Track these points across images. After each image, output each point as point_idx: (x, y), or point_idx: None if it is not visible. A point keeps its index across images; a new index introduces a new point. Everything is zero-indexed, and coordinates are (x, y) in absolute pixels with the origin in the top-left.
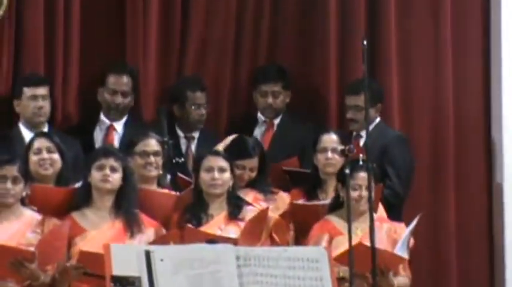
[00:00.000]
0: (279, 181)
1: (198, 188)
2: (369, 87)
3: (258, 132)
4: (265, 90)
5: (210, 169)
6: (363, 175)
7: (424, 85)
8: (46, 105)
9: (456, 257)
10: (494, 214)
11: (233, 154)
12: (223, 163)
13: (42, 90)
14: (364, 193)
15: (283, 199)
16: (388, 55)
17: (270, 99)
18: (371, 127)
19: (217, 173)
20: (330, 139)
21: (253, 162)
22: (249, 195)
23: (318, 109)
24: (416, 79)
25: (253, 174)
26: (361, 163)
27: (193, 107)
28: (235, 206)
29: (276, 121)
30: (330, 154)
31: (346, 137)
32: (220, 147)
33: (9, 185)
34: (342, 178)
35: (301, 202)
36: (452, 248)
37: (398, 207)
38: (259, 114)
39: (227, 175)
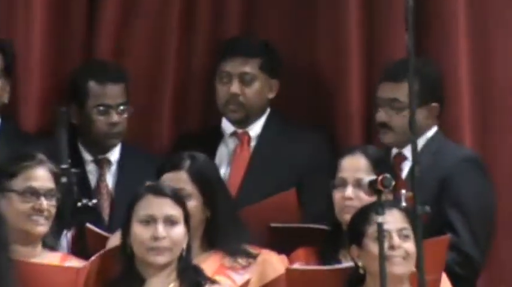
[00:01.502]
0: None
1: (127, 252)
2: (420, 71)
3: (223, 152)
4: (228, 70)
5: (150, 220)
6: (398, 216)
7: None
8: None
9: None
10: None
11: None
12: (173, 209)
13: None
14: (409, 247)
15: (273, 266)
16: (452, 22)
17: (235, 87)
18: (422, 141)
19: (163, 226)
20: (353, 165)
21: (183, 182)
22: (209, 262)
23: (329, 110)
24: (497, 62)
25: (193, 205)
26: (403, 203)
27: (97, 109)
28: (192, 285)
29: (254, 130)
30: (350, 191)
31: (380, 160)
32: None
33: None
34: (356, 234)
35: (301, 266)
36: None
37: (469, 279)
38: (224, 122)
39: (179, 230)
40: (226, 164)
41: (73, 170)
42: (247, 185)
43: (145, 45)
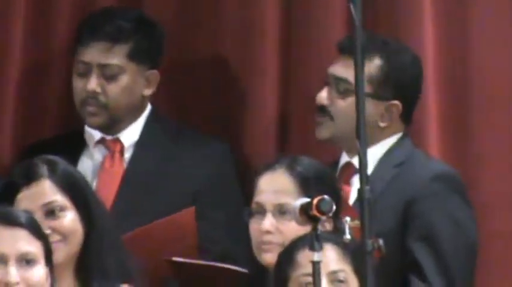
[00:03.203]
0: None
1: None
2: (389, 53)
3: (87, 165)
4: (85, 60)
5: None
6: (332, 256)
7: (492, 63)
8: None
9: None
10: None
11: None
12: (30, 244)
13: None
14: None
15: None
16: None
17: (93, 82)
18: (380, 149)
19: (16, 268)
20: (273, 185)
21: (46, 192)
22: None
23: (237, 114)
24: (472, 54)
25: (67, 227)
26: (347, 235)
27: None
28: None
29: (128, 138)
30: (268, 222)
31: (314, 177)
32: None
33: None
34: (280, 281)
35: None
36: None
37: None
38: (87, 127)
39: (38, 271)
40: (92, 180)
41: None
42: (119, 208)
43: None
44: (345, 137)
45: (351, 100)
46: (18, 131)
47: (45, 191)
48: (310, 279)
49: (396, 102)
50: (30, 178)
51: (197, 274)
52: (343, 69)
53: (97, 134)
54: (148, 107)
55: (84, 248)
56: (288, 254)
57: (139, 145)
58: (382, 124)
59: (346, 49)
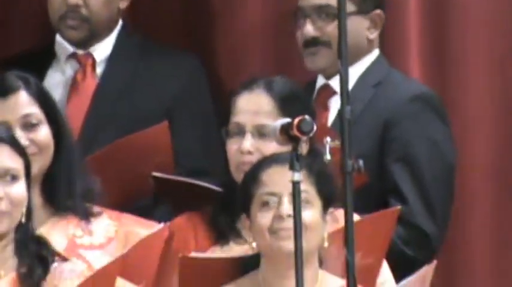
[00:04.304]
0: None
1: None
2: None
3: (56, 79)
4: None
5: None
6: (296, 176)
7: None
8: None
9: None
10: None
11: None
12: (12, 160)
13: None
14: (305, 217)
15: (140, 237)
16: None
17: None
18: (358, 69)
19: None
20: (253, 105)
21: (23, 104)
22: (56, 233)
23: (217, 29)
24: None
25: (43, 140)
26: (328, 156)
27: None
28: (33, 260)
29: (100, 53)
30: (248, 143)
31: (293, 97)
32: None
33: None
34: (245, 199)
35: (200, 255)
36: None
37: (422, 260)
38: (58, 41)
39: (20, 187)
40: (62, 95)
41: None
42: (91, 123)
43: None
44: (333, 65)
45: (333, 25)
46: None
47: (23, 103)
48: (272, 198)
49: (378, 11)
50: (7, 90)
51: (175, 189)
52: None
53: (68, 49)
54: (120, 22)
55: (53, 164)
56: (253, 172)
57: (111, 60)
58: (371, 36)
59: None
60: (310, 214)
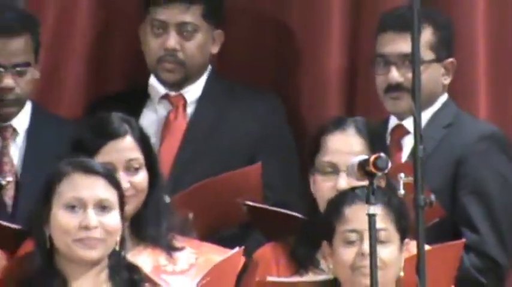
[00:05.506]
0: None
1: (46, 246)
2: (432, 19)
3: (150, 119)
4: (163, 19)
5: (78, 205)
6: (377, 212)
7: None
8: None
9: None
10: None
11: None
12: (107, 192)
13: None
14: (385, 254)
15: (208, 261)
16: None
17: (173, 40)
18: (430, 111)
19: (95, 213)
20: (346, 145)
21: (127, 149)
22: (142, 259)
23: (298, 72)
24: None
25: (140, 184)
26: (401, 190)
27: None
28: (126, 286)
29: (192, 94)
30: (343, 181)
31: (375, 135)
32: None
33: None
34: (327, 228)
35: (278, 279)
36: None
37: (495, 285)
38: (151, 81)
39: (115, 218)
40: (155, 134)
41: None
42: (182, 161)
43: None
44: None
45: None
46: (84, 87)
47: (129, 148)
48: (354, 235)
49: (451, 59)
50: (114, 133)
51: (265, 218)
52: (403, 45)
53: (161, 90)
54: (209, 66)
55: (144, 204)
56: (337, 206)
57: (201, 101)
58: (445, 82)
59: (394, 25)
60: (389, 251)
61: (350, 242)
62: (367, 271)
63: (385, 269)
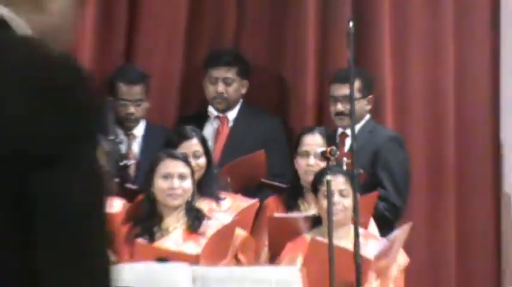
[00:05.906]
0: (239, 187)
1: (151, 198)
2: (359, 75)
3: (209, 130)
4: (216, 76)
5: (168, 176)
6: (341, 180)
7: (421, 77)
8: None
9: (457, 275)
10: (503, 226)
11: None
12: (184, 168)
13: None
14: (346, 203)
15: (239, 206)
16: (380, 40)
17: (221, 87)
18: (360, 124)
19: (177, 180)
20: (314, 141)
21: (194, 145)
22: (202, 205)
23: (290, 102)
24: (412, 69)
25: (201, 164)
26: (344, 167)
27: (120, 102)
28: (195, 219)
29: (231, 115)
30: (312, 160)
31: (330, 137)
32: None
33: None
34: (317, 187)
35: (281, 215)
36: (452, 265)
37: (394, 221)
38: (210, 108)
39: (188, 183)
40: (211, 139)
41: (118, 139)
42: (226, 154)
43: (159, 45)
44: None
45: (355, 103)
46: (176, 109)
47: (195, 144)
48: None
49: (371, 96)
50: (187, 136)
51: (271, 186)
52: (343, 90)
53: (215, 113)
54: (241, 99)
55: (203, 175)
56: (320, 176)
57: (237, 120)
58: (367, 108)
59: (340, 79)
60: (348, 201)
61: (326, 196)
62: (337, 211)
63: (345, 211)
